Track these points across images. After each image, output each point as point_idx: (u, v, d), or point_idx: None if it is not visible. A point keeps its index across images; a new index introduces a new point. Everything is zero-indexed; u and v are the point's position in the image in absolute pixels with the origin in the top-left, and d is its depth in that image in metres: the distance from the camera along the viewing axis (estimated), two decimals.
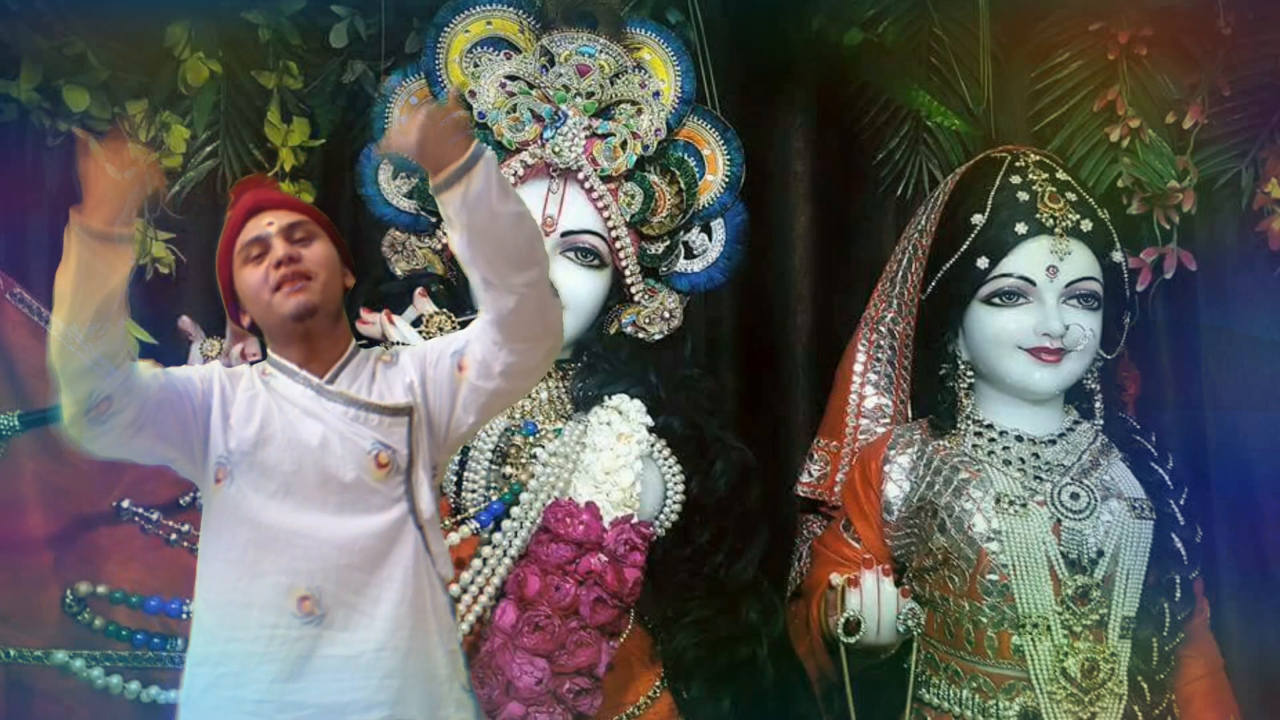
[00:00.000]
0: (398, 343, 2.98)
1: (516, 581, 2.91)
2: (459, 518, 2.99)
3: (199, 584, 2.43)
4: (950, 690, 3.08)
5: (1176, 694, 3.10)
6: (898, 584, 3.02)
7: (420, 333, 3.03)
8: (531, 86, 3.19)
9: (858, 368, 3.37)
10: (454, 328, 3.04)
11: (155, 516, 2.97)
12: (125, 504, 2.96)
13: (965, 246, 3.17)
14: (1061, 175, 3.23)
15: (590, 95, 3.19)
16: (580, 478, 3.03)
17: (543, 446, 3.04)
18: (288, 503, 2.37)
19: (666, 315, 3.24)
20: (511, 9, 3.27)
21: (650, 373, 3.17)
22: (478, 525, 2.97)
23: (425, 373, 2.47)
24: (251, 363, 2.86)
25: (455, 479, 3.03)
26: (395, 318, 3.05)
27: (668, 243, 3.25)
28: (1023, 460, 3.14)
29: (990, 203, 3.17)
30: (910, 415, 3.34)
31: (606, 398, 3.12)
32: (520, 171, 3.12)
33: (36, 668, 2.85)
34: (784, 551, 3.38)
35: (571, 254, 3.14)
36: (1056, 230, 3.13)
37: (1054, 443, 3.16)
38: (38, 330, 2.99)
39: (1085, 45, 3.58)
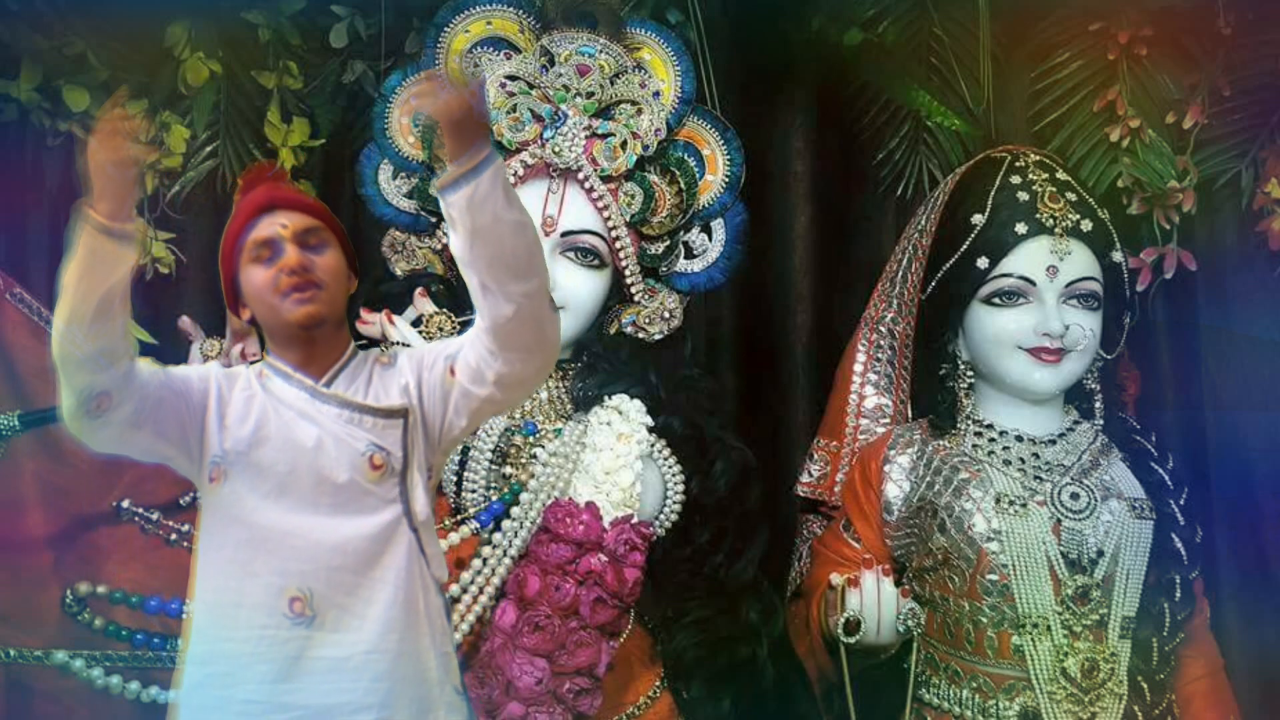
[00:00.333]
0: (398, 343, 2.98)
1: (516, 581, 2.91)
2: (459, 518, 2.99)
3: (195, 583, 2.43)
4: (950, 690, 3.08)
5: (1176, 694, 3.10)
6: (898, 584, 3.02)
7: (420, 333, 3.03)
8: (531, 86, 3.19)
9: (858, 368, 3.37)
10: (454, 328, 3.04)
11: (155, 516, 2.97)
12: (125, 504, 2.96)
13: (965, 246, 3.17)
14: (1061, 175, 3.23)
15: (590, 95, 3.19)
16: (580, 478, 3.03)
17: (543, 446, 3.04)
18: (282, 503, 2.37)
19: (666, 315, 3.24)
20: (511, 9, 3.27)
21: (650, 373, 3.17)
22: (478, 525, 2.97)
23: (421, 375, 2.47)
24: (251, 363, 2.87)
25: (455, 479, 3.03)
26: (395, 318, 3.05)
27: (668, 243, 3.25)
28: (1023, 460, 3.14)
29: (990, 203, 3.17)
30: (910, 415, 3.34)
31: (606, 398, 3.12)
32: (520, 171, 3.12)
33: (36, 668, 2.85)
34: (784, 551, 3.38)
35: (571, 254, 3.14)
36: (1056, 230, 3.13)
37: (1054, 443, 3.16)
38: (38, 330, 2.99)
39: (1085, 45, 3.58)
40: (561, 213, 3.14)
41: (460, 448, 3.00)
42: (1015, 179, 3.19)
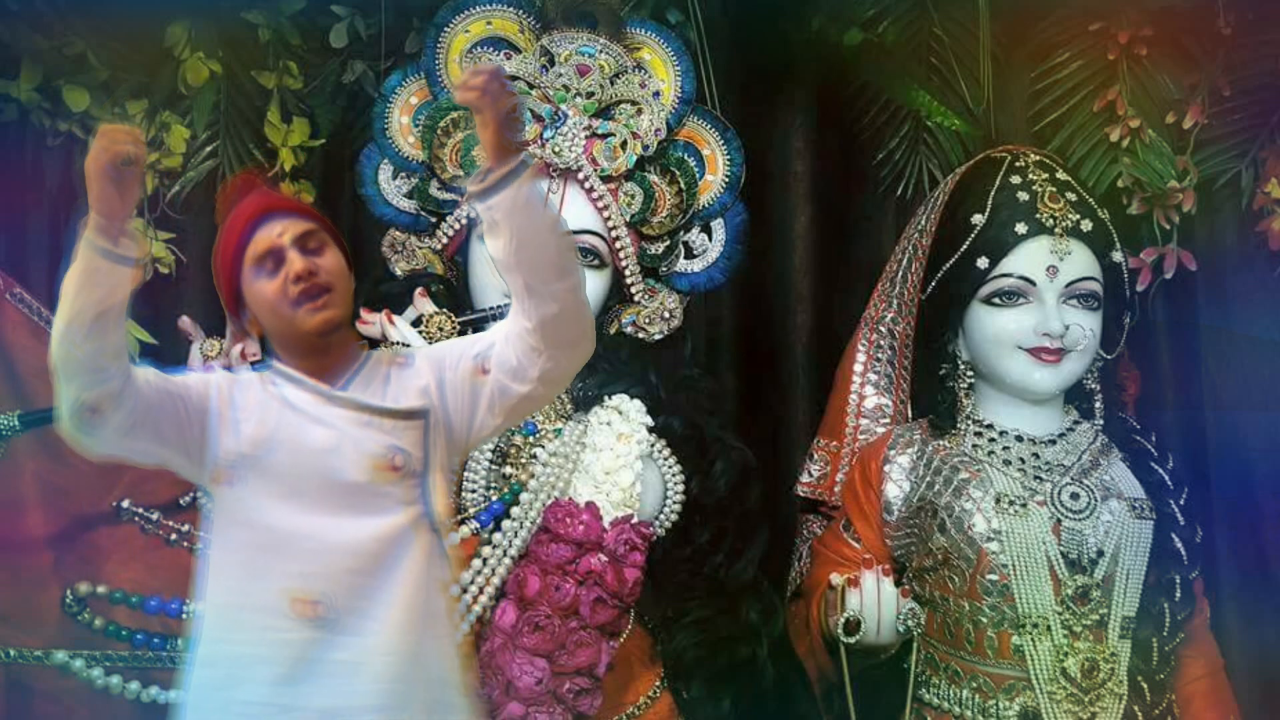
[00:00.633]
0: (398, 343, 2.98)
1: (516, 581, 2.91)
2: (459, 518, 2.99)
3: (206, 585, 2.42)
4: (950, 690, 3.08)
5: (1176, 694, 3.10)
6: (898, 584, 3.02)
7: (420, 333, 3.03)
8: (531, 86, 3.19)
9: (858, 368, 3.37)
10: (454, 328, 3.04)
11: (155, 516, 2.97)
12: (125, 504, 2.96)
13: (965, 246, 3.17)
14: (1061, 175, 3.23)
15: (590, 95, 3.19)
16: (580, 478, 3.03)
17: (543, 446, 3.04)
18: (292, 505, 2.36)
19: (666, 315, 3.24)
20: (511, 9, 3.27)
21: (650, 373, 3.18)
22: (478, 525, 2.97)
23: (443, 376, 2.45)
24: (252, 364, 2.87)
25: (455, 479, 3.03)
26: (395, 318, 3.05)
27: (668, 243, 3.25)
28: (1023, 460, 3.14)
29: (990, 203, 3.17)
30: (910, 415, 3.34)
31: (606, 398, 3.12)
32: None
33: (36, 668, 2.85)
34: (784, 551, 3.38)
35: None
36: (1056, 230, 3.13)
37: (1054, 443, 3.16)
38: (38, 330, 2.99)
39: (1085, 45, 3.58)
40: (561, 213, 3.13)
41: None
42: (1015, 179, 3.19)
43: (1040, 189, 3.17)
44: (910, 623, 2.98)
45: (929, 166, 3.66)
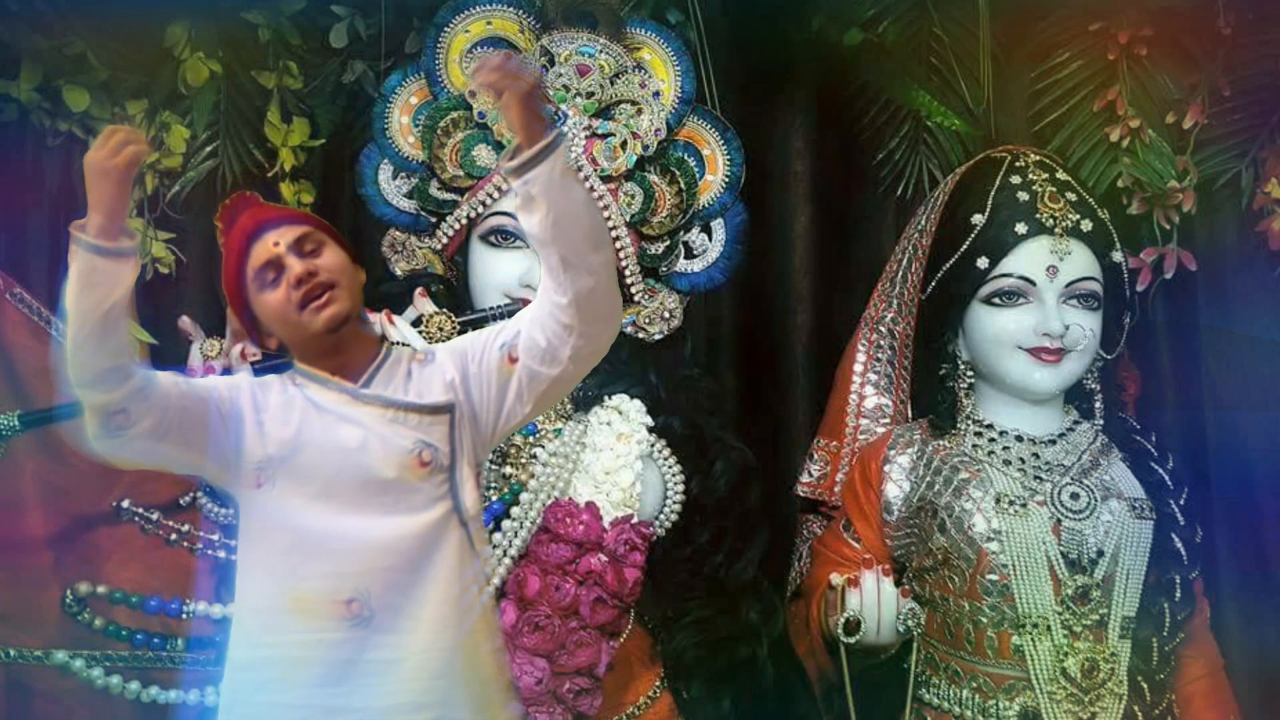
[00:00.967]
0: (398, 343, 2.98)
1: (516, 581, 2.91)
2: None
3: (238, 589, 2.42)
4: (950, 690, 3.08)
5: (1176, 694, 3.10)
6: (898, 584, 3.02)
7: (420, 333, 3.03)
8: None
9: (858, 368, 3.37)
10: (454, 328, 3.04)
11: (155, 516, 2.97)
12: (125, 504, 2.96)
13: (965, 246, 3.17)
14: (1061, 175, 3.23)
15: (590, 95, 3.19)
16: (580, 478, 3.03)
17: (543, 446, 3.04)
18: (328, 506, 2.36)
19: (666, 315, 3.24)
20: (511, 9, 3.27)
21: (650, 373, 3.18)
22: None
23: (467, 369, 2.45)
24: (252, 363, 2.87)
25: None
26: (395, 318, 3.04)
27: (668, 243, 3.25)
28: (1023, 460, 3.14)
29: (990, 203, 3.17)
30: (910, 415, 3.34)
31: (606, 398, 3.12)
32: None
33: (36, 668, 2.85)
34: (784, 551, 3.38)
35: None
36: (1056, 230, 3.13)
37: (1054, 443, 3.16)
38: (38, 330, 2.99)
39: (1085, 45, 3.58)
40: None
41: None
42: (1015, 179, 3.19)
43: (1040, 189, 3.17)
44: (910, 623, 2.98)
45: (929, 166, 3.66)
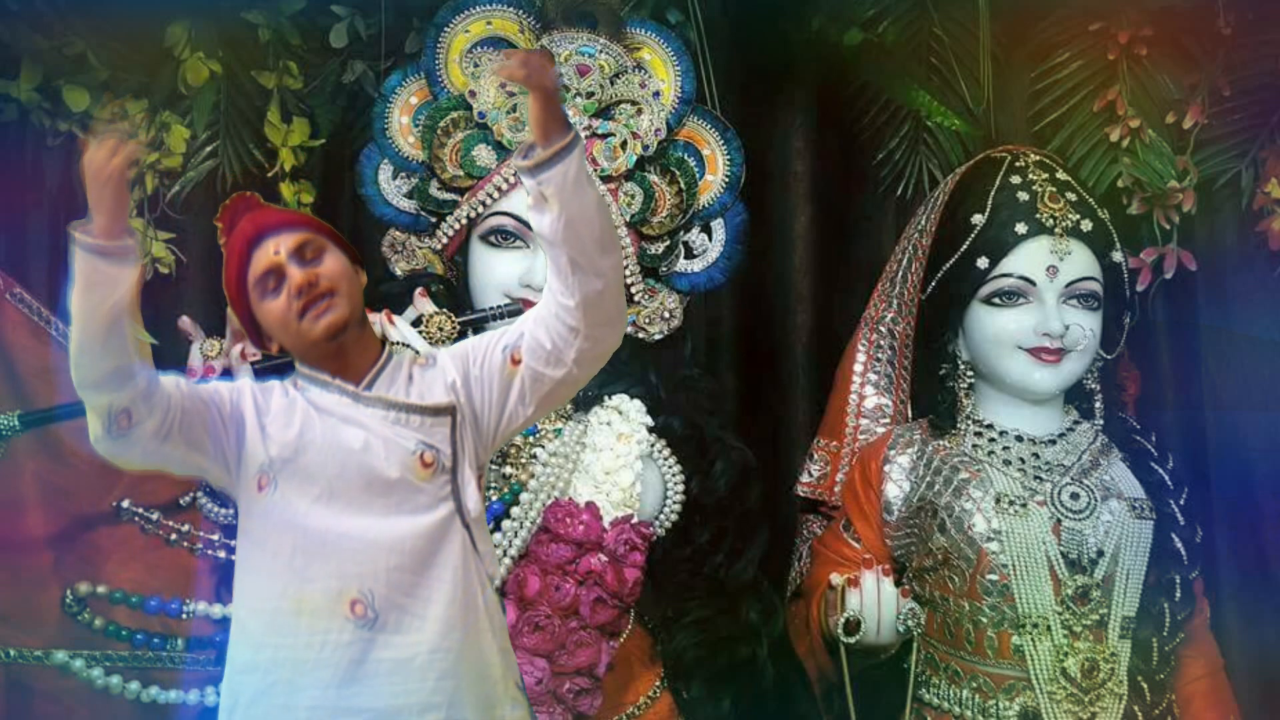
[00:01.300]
0: (398, 343, 2.98)
1: (516, 581, 2.91)
2: None
3: (239, 591, 2.41)
4: (950, 690, 3.08)
5: (1176, 694, 3.10)
6: (898, 584, 3.02)
7: (420, 333, 3.03)
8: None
9: (858, 368, 3.37)
10: (454, 328, 3.03)
11: (155, 516, 2.97)
12: (125, 504, 2.96)
13: (965, 246, 3.17)
14: (1061, 175, 3.23)
15: (590, 95, 3.19)
16: (580, 478, 3.03)
17: (543, 446, 3.04)
18: (332, 507, 2.36)
19: (666, 315, 3.24)
20: (511, 9, 3.27)
21: (650, 373, 3.18)
22: None
23: (468, 371, 2.45)
24: (252, 363, 2.87)
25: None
26: (395, 318, 3.04)
27: (668, 243, 3.25)
28: (1023, 460, 3.14)
29: (990, 203, 3.17)
30: (910, 415, 3.34)
31: (606, 398, 3.12)
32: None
33: (36, 668, 2.85)
34: (784, 551, 3.38)
35: None
36: (1056, 230, 3.13)
37: (1054, 443, 3.17)
38: (38, 330, 2.99)
39: (1085, 45, 3.58)
40: None
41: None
42: (1015, 179, 3.19)
43: (1040, 189, 3.17)
44: (910, 623, 2.98)
45: (929, 166, 3.66)
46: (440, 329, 3.03)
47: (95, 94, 3.41)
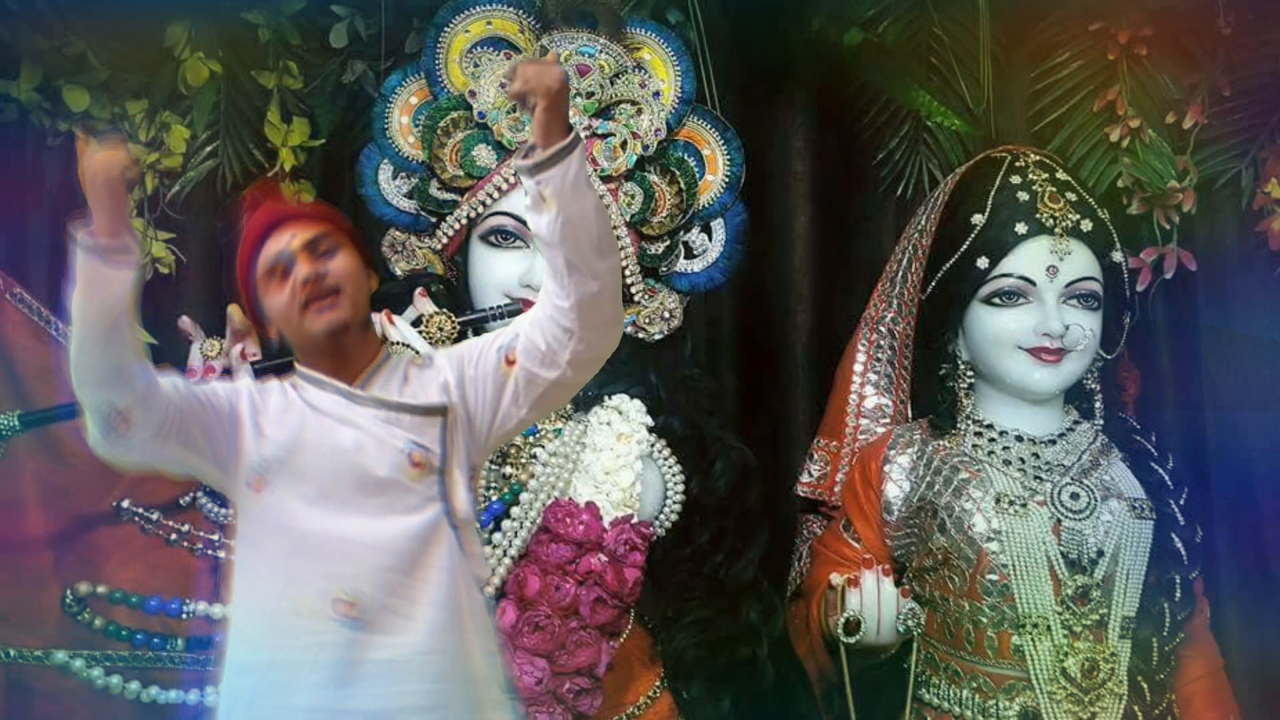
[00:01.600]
0: (398, 343, 2.98)
1: (516, 581, 2.91)
2: None
3: (236, 592, 2.41)
4: (950, 690, 3.08)
5: (1176, 694, 3.10)
6: (898, 584, 3.02)
7: (420, 333, 3.03)
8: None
9: (858, 368, 3.37)
10: (454, 328, 3.04)
11: (155, 516, 2.97)
12: (125, 504, 2.97)
13: (965, 246, 3.17)
14: (1061, 175, 3.23)
15: (590, 95, 3.19)
16: (580, 478, 3.03)
17: (543, 446, 3.04)
18: (325, 508, 2.36)
19: (666, 315, 3.24)
20: (511, 9, 3.27)
21: (650, 373, 3.18)
22: (478, 525, 2.97)
23: (464, 372, 2.45)
24: (252, 363, 2.87)
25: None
26: (395, 318, 3.04)
27: (668, 243, 3.25)
28: (1023, 460, 3.14)
29: (990, 203, 3.17)
30: (910, 415, 3.34)
31: (606, 398, 3.12)
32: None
33: (36, 668, 2.85)
34: (784, 551, 3.38)
35: None
36: (1056, 230, 3.13)
37: (1054, 443, 3.17)
38: (38, 330, 2.99)
39: (1085, 45, 3.58)
40: None
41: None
42: (1015, 179, 3.19)
43: (1040, 189, 3.17)
44: (910, 623, 2.98)
45: (929, 166, 3.66)
46: (440, 329, 3.04)
47: (95, 94, 3.41)
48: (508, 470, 3.05)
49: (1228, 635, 3.34)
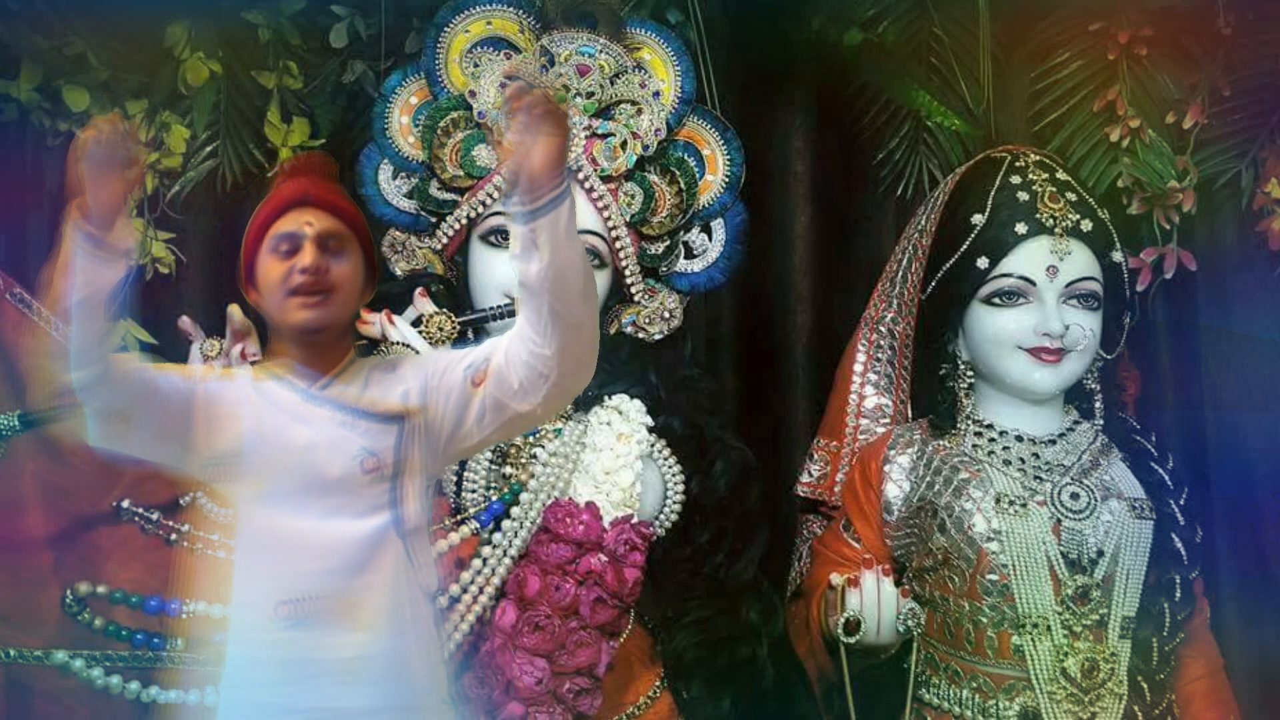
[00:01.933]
0: (398, 343, 2.99)
1: (516, 581, 2.91)
2: (459, 518, 2.99)
3: (205, 589, 2.45)
4: (950, 690, 3.08)
5: (1176, 694, 3.10)
6: (898, 584, 3.02)
7: (420, 333, 3.03)
8: (531, 87, 3.18)
9: (858, 368, 3.37)
10: (454, 328, 3.04)
11: (155, 516, 2.97)
12: (125, 504, 2.96)
13: (965, 246, 3.17)
14: (1061, 175, 3.23)
15: (590, 95, 3.19)
16: (580, 478, 3.03)
17: (543, 446, 3.04)
18: (273, 506, 2.37)
19: (666, 315, 3.24)
20: (511, 9, 3.27)
21: (650, 373, 3.18)
22: (478, 525, 2.97)
23: (427, 382, 2.45)
24: (252, 363, 2.87)
25: (455, 479, 3.03)
26: (395, 318, 3.05)
27: (668, 243, 3.25)
28: (1023, 460, 3.14)
29: (990, 203, 3.17)
30: (910, 415, 3.34)
31: (606, 398, 3.12)
32: None
33: (36, 668, 2.85)
34: (784, 551, 3.38)
35: None
36: (1056, 230, 3.13)
37: (1054, 443, 3.17)
38: (38, 330, 2.99)
39: (1085, 45, 3.58)
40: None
41: (461, 459, 2.99)
42: (1015, 179, 3.19)
43: (1040, 189, 3.17)
44: (910, 623, 2.98)
45: (929, 166, 3.66)
46: (440, 329, 3.04)
47: (95, 94, 3.41)
48: (508, 470, 3.05)
49: (1228, 635, 3.34)
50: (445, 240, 3.20)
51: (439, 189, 3.21)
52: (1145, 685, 3.02)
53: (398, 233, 3.25)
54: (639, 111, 3.21)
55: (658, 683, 3.10)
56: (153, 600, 2.91)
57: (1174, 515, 3.12)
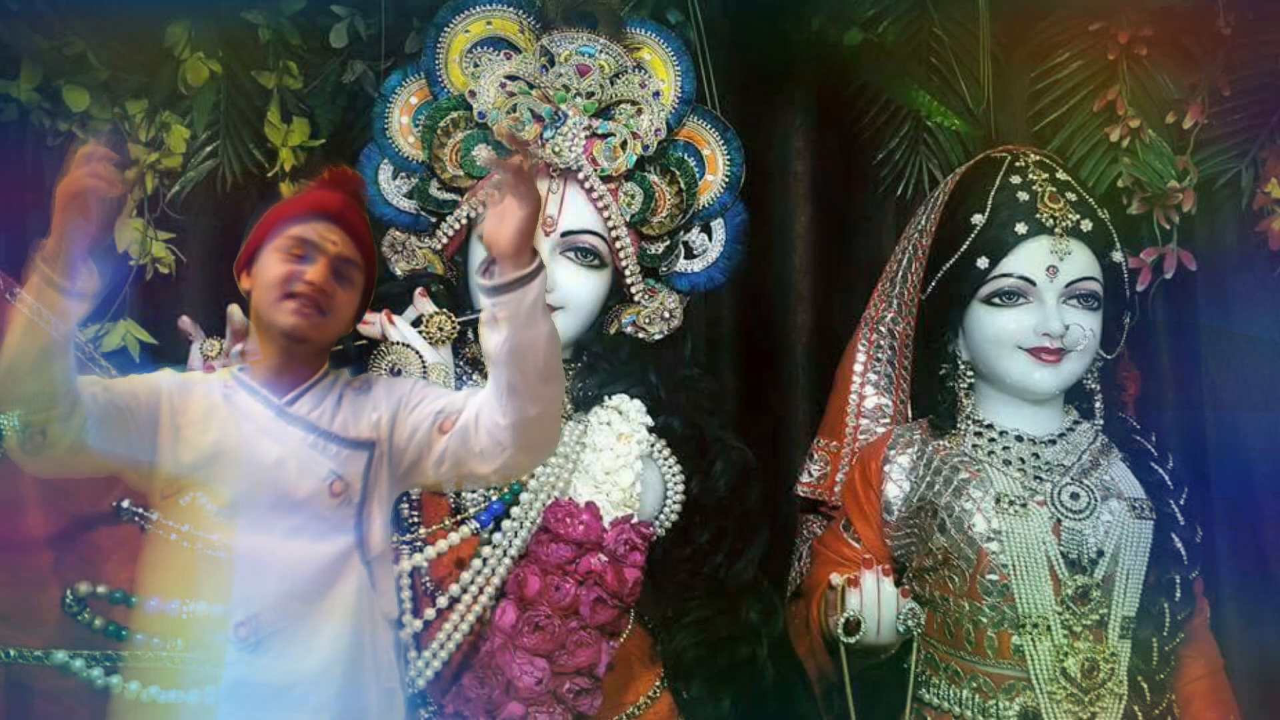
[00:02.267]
0: (398, 343, 2.98)
1: (516, 581, 2.91)
2: (459, 518, 2.99)
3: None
4: (950, 690, 3.08)
5: (1176, 694, 3.10)
6: (898, 584, 3.02)
7: (420, 333, 3.03)
8: (531, 86, 3.19)
9: (858, 368, 3.37)
10: (454, 328, 3.04)
11: (155, 516, 2.96)
12: (125, 504, 2.96)
13: (965, 246, 3.17)
14: (1061, 175, 3.23)
15: (590, 95, 3.19)
16: (580, 478, 3.03)
17: None
18: (235, 521, 2.36)
19: (666, 315, 3.24)
20: (511, 9, 3.27)
21: (650, 373, 3.18)
22: (478, 525, 2.97)
23: (398, 413, 2.45)
24: (242, 368, 2.87)
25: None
26: (395, 318, 3.05)
27: (668, 243, 3.25)
28: (1023, 460, 3.14)
29: (990, 203, 3.17)
30: (910, 415, 3.34)
31: (606, 398, 3.12)
32: None
33: (36, 668, 2.85)
34: (784, 551, 3.38)
35: (571, 254, 3.14)
36: (1056, 230, 3.13)
37: (1054, 443, 3.17)
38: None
39: (1085, 45, 3.59)
40: (561, 213, 3.14)
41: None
42: (1015, 179, 3.19)
43: (1040, 189, 3.17)
44: (910, 623, 2.98)
45: (929, 166, 3.66)
46: (440, 329, 3.04)
47: (95, 94, 3.41)
48: None
49: (1228, 635, 3.34)
50: (445, 240, 3.20)
51: (439, 189, 3.21)
52: (1145, 685, 3.02)
53: (398, 233, 3.25)
54: (639, 111, 3.21)
55: (658, 683, 3.10)
56: (153, 600, 2.91)
57: (1174, 515, 3.12)
